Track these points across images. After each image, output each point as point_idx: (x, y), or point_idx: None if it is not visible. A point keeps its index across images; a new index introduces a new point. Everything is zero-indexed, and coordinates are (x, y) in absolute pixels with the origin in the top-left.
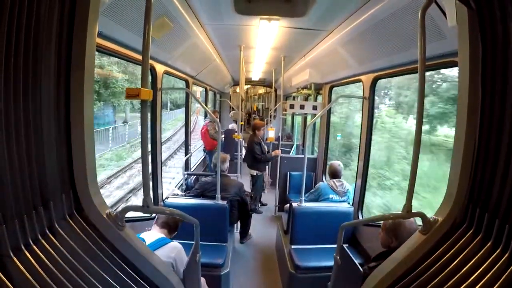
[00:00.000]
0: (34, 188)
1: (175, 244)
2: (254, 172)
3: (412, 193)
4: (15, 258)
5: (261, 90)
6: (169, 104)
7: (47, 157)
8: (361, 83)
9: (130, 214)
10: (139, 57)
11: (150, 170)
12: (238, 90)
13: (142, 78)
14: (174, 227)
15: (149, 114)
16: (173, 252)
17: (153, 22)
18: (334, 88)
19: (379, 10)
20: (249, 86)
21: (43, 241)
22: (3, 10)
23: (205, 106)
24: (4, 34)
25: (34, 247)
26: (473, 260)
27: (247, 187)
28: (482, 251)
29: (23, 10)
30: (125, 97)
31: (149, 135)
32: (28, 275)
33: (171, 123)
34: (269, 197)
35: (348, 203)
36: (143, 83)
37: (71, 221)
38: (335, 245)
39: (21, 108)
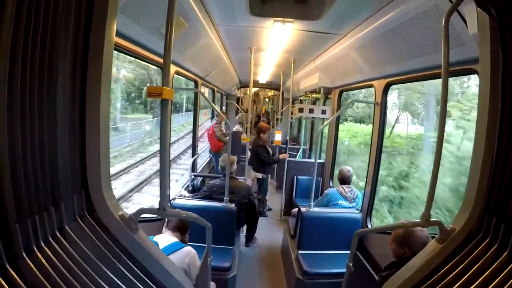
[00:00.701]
0: (46, 187)
1: (190, 249)
2: (260, 175)
3: (431, 201)
4: (27, 259)
5: (270, 93)
6: (184, 105)
7: (60, 155)
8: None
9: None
10: (153, 56)
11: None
12: (248, 92)
13: (163, 77)
14: (185, 230)
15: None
16: (187, 257)
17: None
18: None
19: (395, 16)
20: (256, 88)
21: (53, 242)
22: (21, 4)
23: (215, 107)
24: (22, 31)
25: (45, 248)
26: (489, 270)
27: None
28: (498, 261)
29: (40, 4)
30: (146, 96)
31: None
32: (40, 276)
33: (176, 129)
34: (274, 201)
35: (357, 209)
36: (164, 82)
37: (82, 223)
38: (344, 251)
39: (35, 106)
